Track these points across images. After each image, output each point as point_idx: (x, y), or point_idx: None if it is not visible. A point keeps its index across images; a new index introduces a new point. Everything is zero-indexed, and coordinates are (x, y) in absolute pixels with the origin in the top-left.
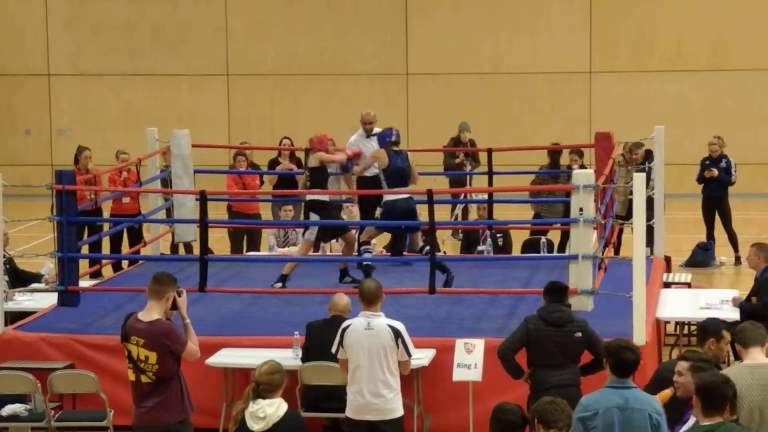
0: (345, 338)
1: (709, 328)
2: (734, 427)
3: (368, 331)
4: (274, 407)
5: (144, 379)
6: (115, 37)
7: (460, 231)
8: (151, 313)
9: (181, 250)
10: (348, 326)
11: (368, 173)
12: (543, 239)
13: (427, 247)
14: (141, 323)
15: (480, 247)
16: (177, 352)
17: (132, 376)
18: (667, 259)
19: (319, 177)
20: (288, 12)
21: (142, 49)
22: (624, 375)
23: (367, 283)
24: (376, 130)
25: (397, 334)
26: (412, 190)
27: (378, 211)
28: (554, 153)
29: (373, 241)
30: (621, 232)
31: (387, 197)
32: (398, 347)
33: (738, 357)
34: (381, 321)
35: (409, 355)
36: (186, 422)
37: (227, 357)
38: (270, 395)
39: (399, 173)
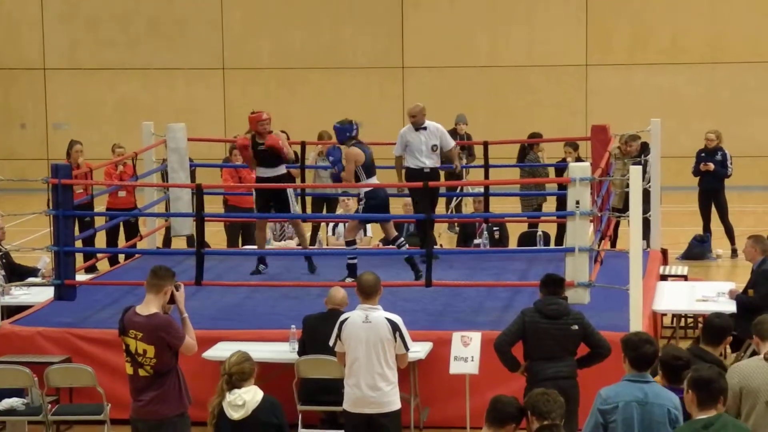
0: (343, 331)
1: (727, 328)
2: (730, 419)
3: (366, 324)
4: (251, 394)
5: (142, 372)
6: (110, 31)
7: (456, 224)
8: (150, 306)
9: (181, 244)
10: (346, 319)
11: (413, 165)
12: (539, 232)
13: (401, 239)
14: (139, 317)
15: (476, 241)
16: (174, 346)
17: (130, 370)
18: (664, 252)
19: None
20: (284, 5)
21: (138, 43)
22: (643, 369)
23: (366, 276)
24: (423, 121)
25: (395, 327)
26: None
27: (360, 205)
28: (522, 146)
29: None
30: (618, 224)
31: (367, 188)
32: (396, 340)
33: (734, 351)
34: (379, 314)
35: (407, 348)
36: (184, 415)
37: (224, 351)
38: (243, 384)
39: (370, 162)
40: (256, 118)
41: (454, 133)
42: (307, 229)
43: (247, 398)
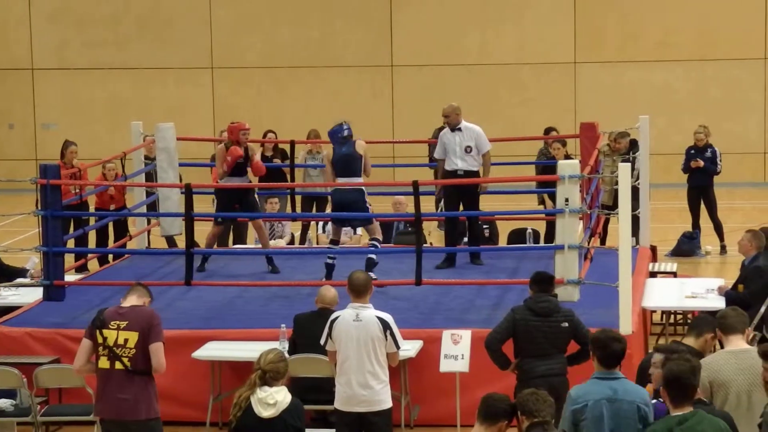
0: (334, 330)
1: (711, 322)
2: (705, 415)
3: (357, 322)
4: (282, 394)
5: (118, 365)
6: (100, 30)
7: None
8: (132, 302)
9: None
10: (337, 318)
11: (448, 167)
12: (529, 230)
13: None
14: (123, 309)
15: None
16: (154, 339)
17: (105, 364)
18: (653, 249)
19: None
20: (273, 3)
21: (128, 42)
22: (612, 366)
23: (356, 275)
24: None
25: (385, 325)
26: (382, 182)
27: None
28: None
29: (359, 234)
30: (607, 222)
31: (333, 187)
32: (387, 339)
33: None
34: (370, 312)
35: (398, 346)
36: (159, 421)
37: (214, 350)
38: (276, 383)
39: (343, 160)
40: (238, 127)
41: (441, 131)
42: (297, 228)
43: (278, 398)
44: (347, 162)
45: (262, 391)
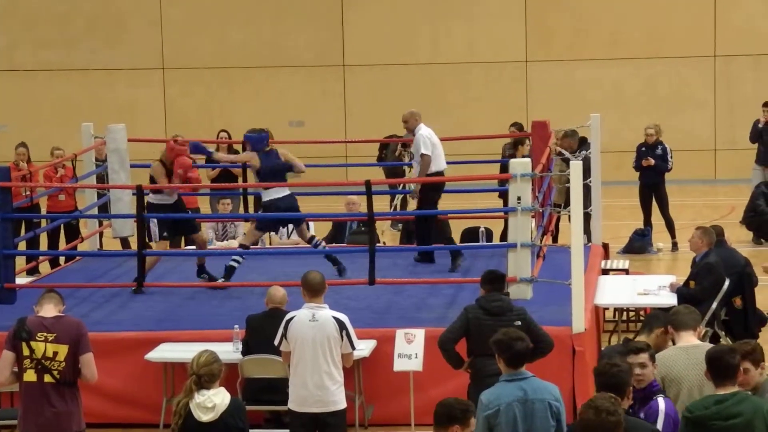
0: (289, 330)
1: (661, 318)
2: (747, 396)
3: (313, 322)
4: (220, 397)
5: (47, 378)
6: (49, 31)
7: (399, 222)
8: (53, 311)
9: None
10: (292, 318)
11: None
12: (482, 228)
13: (317, 238)
14: (47, 320)
15: None
16: (84, 348)
17: (32, 377)
18: (605, 246)
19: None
20: (223, 3)
21: (77, 42)
22: (518, 366)
23: (312, 275)
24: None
25: (341, 326)
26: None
27: (260, 211)
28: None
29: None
30: (559, 220)
31: (266, 197)
32: (343, 339)
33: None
34: (326, 313)
35: (353, 347)
36: None
37: (167, 352)
38: (212, 385)
39: (273, 171)
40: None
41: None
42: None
43: (216, 401)
44: (276, 172)
45: (199, 395)
